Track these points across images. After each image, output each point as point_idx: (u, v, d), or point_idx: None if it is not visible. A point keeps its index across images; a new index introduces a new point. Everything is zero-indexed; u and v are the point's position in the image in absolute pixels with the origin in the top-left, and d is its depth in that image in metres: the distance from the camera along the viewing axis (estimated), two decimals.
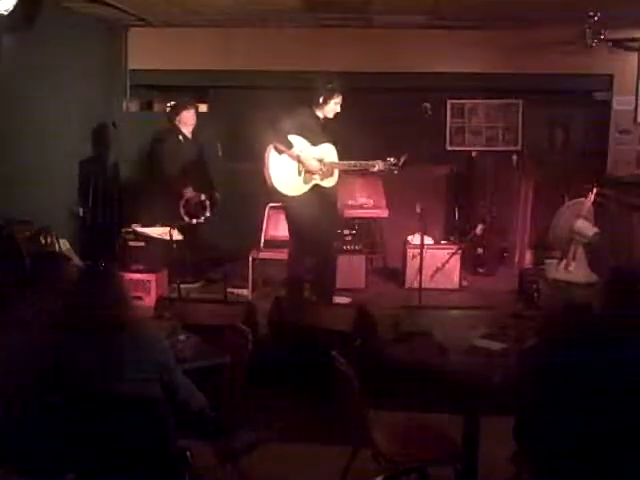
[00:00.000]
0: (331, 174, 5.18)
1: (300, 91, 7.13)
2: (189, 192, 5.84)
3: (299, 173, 5.09)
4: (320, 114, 5.17)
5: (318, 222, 5.09)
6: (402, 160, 5.13)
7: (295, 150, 5.02)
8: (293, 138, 5.05)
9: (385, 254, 7.04)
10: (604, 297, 2.59)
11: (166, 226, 5.58)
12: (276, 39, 6.93)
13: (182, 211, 5.82)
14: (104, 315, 2.62)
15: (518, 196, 7.11)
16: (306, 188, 5.13)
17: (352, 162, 5.21)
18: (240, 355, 3.27)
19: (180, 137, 5.95)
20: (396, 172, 5.20)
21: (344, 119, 7.06)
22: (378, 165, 5.14)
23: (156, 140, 5.97)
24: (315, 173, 5.11)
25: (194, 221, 5.89)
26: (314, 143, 5.14)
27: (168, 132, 5.94)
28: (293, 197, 5.12)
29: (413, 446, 3.12)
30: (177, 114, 5.95)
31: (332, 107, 5.13)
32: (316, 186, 5.17)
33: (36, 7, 5.09)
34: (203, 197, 5.96)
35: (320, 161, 5.12)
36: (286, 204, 5.25)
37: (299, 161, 5.06)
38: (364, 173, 5.56)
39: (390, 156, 5.17)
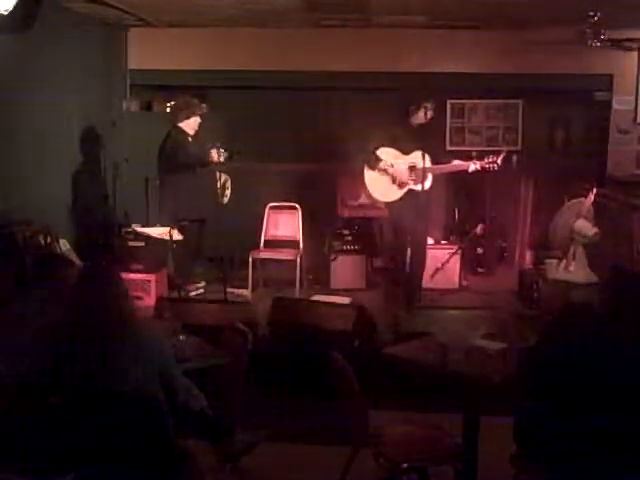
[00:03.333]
0: (425, 179, 5.40)
1: (300, 91, 7.22)
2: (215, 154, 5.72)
3: (393, 181, 5.44)
4: (415, 121, 5.44)
5: (412, 225, 5.39)
6: (500, 157, 5.34)
7: (383, 164, 5.40)
8: (383, 151, 5.41)
9: (385, 254, 7.04)
10: (604, 297, 2.59)
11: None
12: (276, 39, 6.93)
13: (219, 192, 5.77)
14: (104, 315, 2.62)
15: (518, 196, 7.11)
16: (401, 193, 5.45)
17: (446, 165, 5.46)
18: (240, 355, 3.27)
19: (189, 138, 5.94)
20: (496, 168, 5.37)
21: (344, 119, 7.12)
22: (475, 165, 5.37)
23: (168, 140, 5.91)
24: (408, 180, 5.40)
25: (225, 200, 5.88)
26: (406, 152, 5.42)
27: (176, 133, 5.89)
28: (391, 203, 5.48)
29: (413, 446, 3.12)
30: (187, 118, 5.89)
31: (422, 113, 5.40)
32: (411, 190, 5.43)
33: (36, 7, 5.08)
34: (226, 177, 5.94)
35: (412, 168, 5.38)
36: (386, 210, 5.65)
37: (389, 173, 5.41)
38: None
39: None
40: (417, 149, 5.37)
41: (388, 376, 4.02)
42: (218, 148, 5.66)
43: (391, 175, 5.44)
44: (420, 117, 5.42)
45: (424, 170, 5.34)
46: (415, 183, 5.40)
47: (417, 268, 5.60)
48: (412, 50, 6.91)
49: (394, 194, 5.47)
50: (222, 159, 5.67)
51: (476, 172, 5.46)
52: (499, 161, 5.34)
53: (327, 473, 3.29)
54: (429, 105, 5.41)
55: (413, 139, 5.42)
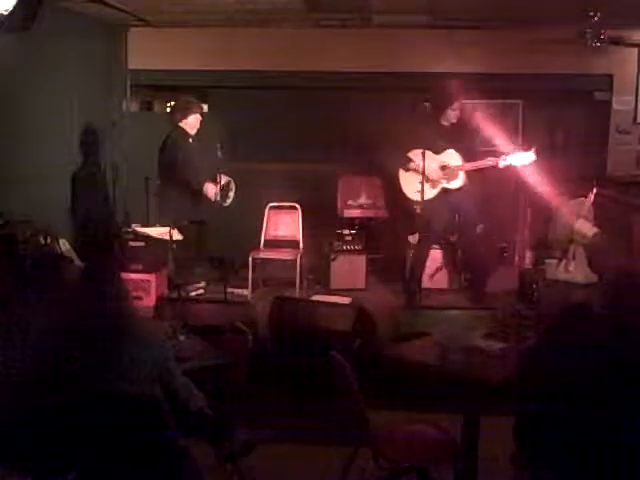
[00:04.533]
0: (456, 176, 5.53)
1: (300, 91, 7.21)
2: (211, 188, 5.72)
3: (426, 180, 5.51)
4: (444, 122, 5.54)
5: (448, 220, 5.61)
6: (532, 150, 5.35)
7: (412, 165, 5.53)
8: (414, 153, 5.50)
9: (385, 254, 7.04)
10: (604, 297, 2.59)
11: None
12: (276, 39, 6.93)
13: (220, 196, 5.72)
14: (104, 315, 2.62)
15: (518, 196, 7.10)
16: (434, 192, 5.58)
17: (477, 162, 5.50)
18: (240, 355, 3.28)
19: (190, 139, 5.93)
20: (529, 164, 5.39)
21: (344, 119, 7.11)
22: (506, 160, 5.38)
23: (169, 141, 5.90)
24: (440, 178, 5.52)
25: (227, 203, 5.88)
26: (437, 151, 5.52)
27: (177, 134, 5.88)
28: (424, 201, 5.52)
29: (413, 446, 3.13)
30: (184, 117, 5.88)
31: (450, 113, 5.50)
32: (444, 189, 5.56)
33: (36, 7, 5.08)
34: (228, 179, 5.94)
35: (443, 167, 5.51)
36: (418, 208, 5.64)
37: (421, 173, 5.49)
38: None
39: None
40: (448, 148, 5.49)
41: (388, 376, 4.02)
42: (215, 181, 5.62)
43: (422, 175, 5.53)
44: (450, 117, 5.50)
45: (456, 168, 5.42)
46: (447, 181, 5.52)
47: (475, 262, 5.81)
48: (412, 50, 6.90)
49: (428, 193, 5.55)
50: (218, 197, 5.65)
51: (480, 172, 5.47)
52: (532, 153, 5.33)
53: (327, 473, 3.29)
54: (456, 104, 5.47)
55: (443, 139, 5.51)
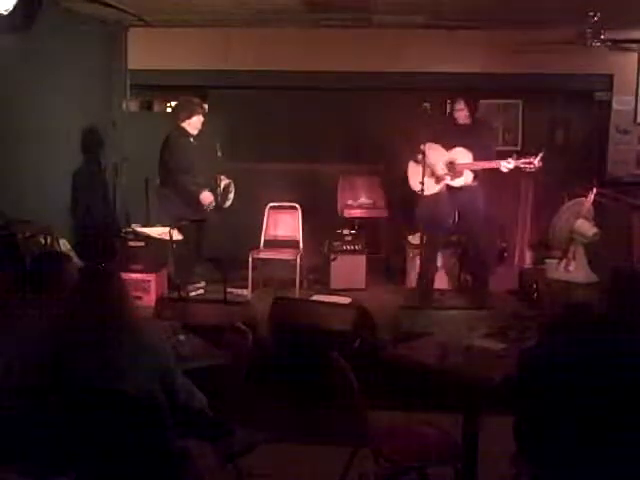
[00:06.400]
0: (460, 174, 5.52)
1: (300, 91, 7.21)
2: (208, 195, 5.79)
3: (431, 175, 5.56)
4: (459, 120, 5.54)
5: (449, 218, 5.64)
6: (538, 158, 5.31)
7: (420, 158, 5.48)
8: (428, 145, 5.48)
9: (385, 254, 7.04)
10: (604, 297, 2.59)
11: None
12: (276, 39, 6.93)
13: (219, 198, 5.80)
14: (104, 316, 2.62)
15: (518, 196, 7.11)
16: (437, 188, 5.59)
17: (482, 162, 5.47)
18: (240, 355, 3.28)
19: (191, 139, 5.93)
20: (533, 169, 5.35)
21: (344, 119, 7.12)
22: (510, 163, 5.34)
23: (169, 141, 5.89)
24: (445, 175, 5.53)
25: (226, 205, 5.93)
26: (448, 148, 5.53)
27: (178, 134, 5.88)
28: (426, 196, 5.52)
29: (413, 446, 3.13)
30: (188, 117, 5.88)
31: (458, 113, 5.53)
32: (449, 186, 5.57)
33: (36, 7, 5.09)
34: (228, 181, 5.95)
35: (451, 163, 5.50)
36: (419, 202, 5.63)
37: (428, 166, 5.48)
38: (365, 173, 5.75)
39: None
40: (459, 146, 5.46)
41: (388, 376, 4.02)
42: (215, 182, 5.69)
43: (429, 169, 5.52)
44: (457, 117, 5.51)
45: (463, 166, 5.43)
46: (452, 178, 5.52)
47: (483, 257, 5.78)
48: (412, 50, 6.91)
49: (431, 188, 5.57)
50: (212, 207, 5.76)
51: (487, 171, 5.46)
52: (536, 162, 5.28)
53: (327, 473, 3.29)
54: (460, 104, 5.48)
55: (457, 136, 5.50)
